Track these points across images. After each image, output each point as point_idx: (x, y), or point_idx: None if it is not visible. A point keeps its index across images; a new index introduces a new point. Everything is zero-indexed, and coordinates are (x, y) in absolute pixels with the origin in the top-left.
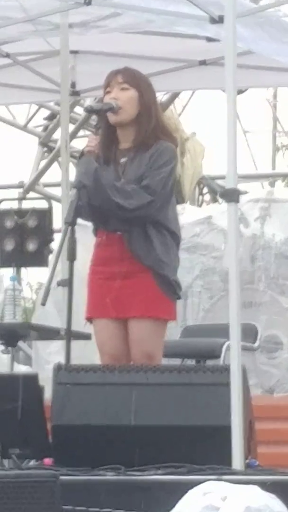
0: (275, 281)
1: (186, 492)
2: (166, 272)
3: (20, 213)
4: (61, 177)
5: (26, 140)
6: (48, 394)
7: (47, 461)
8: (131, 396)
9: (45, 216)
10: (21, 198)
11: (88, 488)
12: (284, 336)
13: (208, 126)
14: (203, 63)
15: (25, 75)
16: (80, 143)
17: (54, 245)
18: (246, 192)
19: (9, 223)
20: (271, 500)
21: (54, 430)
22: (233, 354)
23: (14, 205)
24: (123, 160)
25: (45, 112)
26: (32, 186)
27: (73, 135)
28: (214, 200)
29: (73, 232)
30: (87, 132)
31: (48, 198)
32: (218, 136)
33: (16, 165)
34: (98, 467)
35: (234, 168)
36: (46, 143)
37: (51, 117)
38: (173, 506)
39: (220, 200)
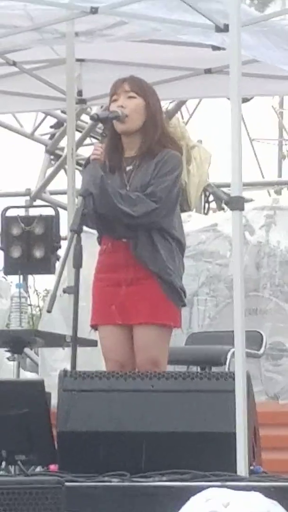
0: (280, 288)
1: (190, 498)
2: (172, 279)
3: (27, 220)
4: (67, 184)
5: (32, 148)
6: (54, 401)
7: (53, 467)
8: (136, 403)
9: (52, 223)
10: (28, 206)
11: (93, 494)
12: None
13: (215, 134)
14: (208, 71)
15: (31, 83)
16: (87, 151)
17: (61, 252)
18: (251, 200)
19: (15, 230)
20: (274, 507)
21: (59, 436)
22: (237, 361)
23: (21, 212)
24: (128, 168)
25: (51, 120)
26: (39, 193)
27: (80, 143)
28: (220, 207)
29: (79, 240)
30: (93, 140)
31: (55, 205)
32: (224, 144)
33: (23, 173)
34: (103, 474)
35: (239, 176)
36: (52, 151)
37: (58, 125)
38: None
39: (225, 207)
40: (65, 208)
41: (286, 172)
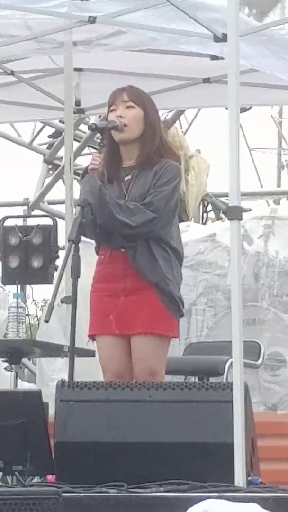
0: (278, 298)
1: (187, 509)
2: (170, 288)
3: (25, 230)
4: (65, 194)
5: (31, 157)
6: (51, 411)
7: (50, 477)
8: (133, 413)
9: (50, 233)
10: (26, 216)
11: (91, 505)
12: (287, 354)
13: (213, 143)
14: (207, 81)
15: (29, 93)
16: (85, 161)
17: (59, 262)
18: (249, 210)
19: (13, 240)
20: None
21: (57, 447)
22: (235, 371)
23: (19, 222)
24: (127, 178)
25: (49, 130)
26: (37, 203)
27: (78, 153)
28: (218, 217)
29: (77, 250)
30: (92, 150)
31: (53, 215)
32: (223, 154)
33: (21, 183)
34: (101, 484)
35: (237, 186)
36: (50, 161)
37: (56, 134)
38: None
39: (224, 217)
40: (63, 218)
41: (285, 181)
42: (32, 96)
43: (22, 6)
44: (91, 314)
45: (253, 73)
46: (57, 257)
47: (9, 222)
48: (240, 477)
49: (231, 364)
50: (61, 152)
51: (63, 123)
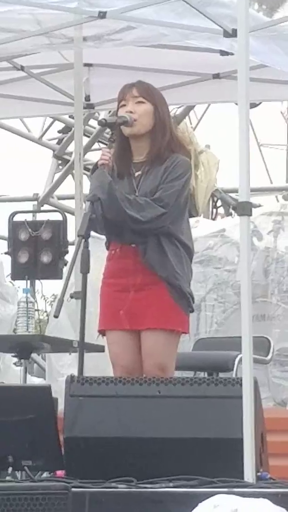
0: None
1: (197, 504)
2: (181, 284)
3: (34, 225)
4: (75, 190)
5: (40, 153)
6: (60, 406)
7: (59, 473)
8: (143, 409)
9: (59, 228)
10: (35, 211)
11: (100, 500)
12: None
13: (223, 139)
14: (216, 76)
15: (39, 88)
16: (94, 156)
17: (68, 257)
18: (259, 205)
19: (23, 236)
20: None
21: (66, 442)
22: (245, 366)
23: (28, 217)
24: (138, 173)
25: (59, 125)
26: (46, 198)
27: (87, 148)
28: (228, 213)
29: (86, 245)
30: (101, 145)
31: (62, 210)
32: (233, 149)
33: (31, 178)
34: (110, 479)
35: (247, 182)
36: (60, 156)
37: (66, 130)
38: None
39: (233, 213)
40: (72, 213)
41: None
42: (41, 91)
43: (32, 1)
44: (101, 309)
45: (263, 69)
46: (67, 252)
47: (18, 218)
48: (249, 473)
49: (240, 359)
50: (71, 147)
51: (73, 118)
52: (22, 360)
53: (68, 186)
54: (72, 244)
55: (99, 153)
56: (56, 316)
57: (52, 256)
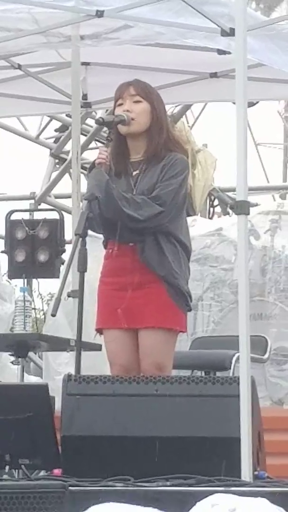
0: (285, 293)
1: (194, 503)
2: (178, 282)
3: (31, 224)
4: (72, 188)
5: (37, 151)
6: (58, 405)
7: (57, 471)
8: (140, 407)
9: (56, 227)
10: (32, 210)
11: (97, 498)
12: None
13: (220, 138)
14: (214, 75)
15: (36, 87)
16: (91, 155)
17: (65, 256)
18: (256, 204)
19: (20, 234)
20: None
21: (63, 440)
22: (242, 365)
23: (25, 216)
24: (135, 172)
25: (56, 124)
26: (43, 197)
27: (85, 147)
28: (225, 212)
29: (83, 244)
30: (98, 144)
31: (59, 209)
32: (230, 148)
33: (28, 176)
34: (107, 478)
35: (244, 181)
36: (57, 155)
37: (63, 128)
38: None
39: (230, 212)
40: (69, 212)
41: None
42: (39, 90)
43: None
44: (98, 308)
45: (260, 68)
46: (64, 251)
47: (15, 216)
48: (246, 472)
49: (237, 358)
50: (68, 146)
51: (70, 117)
52: (19, 359)
53: (65, 185)
54: (69, 242)
55: (96, 152)
56: (53, 315)
57: (49, 255)
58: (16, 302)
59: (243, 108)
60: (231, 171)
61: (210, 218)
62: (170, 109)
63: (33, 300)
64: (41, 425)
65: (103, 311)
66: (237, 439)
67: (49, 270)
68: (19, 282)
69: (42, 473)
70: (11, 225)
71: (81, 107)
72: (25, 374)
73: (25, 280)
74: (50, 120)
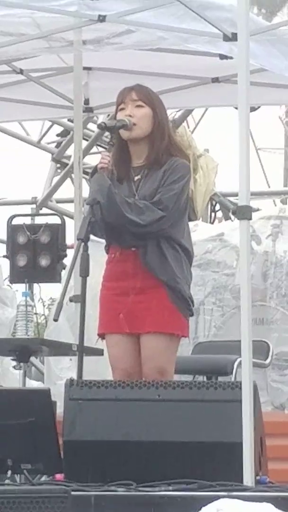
0: (287, 298)
1: (196, 508)
2: (180, 287)
3: (33, 228)
4: (74, 193)
5: (39, 156)
6: (60, 410)
7: (59, 476)
8: (142, 412)
9: (58, 231)
10: (34, 214)
11: (99, 503)
12: None
13: (221, 143)
14: (216, 80)
15: (38, 92)
16: (93, 160)
17: (67, 261)
18: (258, 210)
19: (21, 239)
20: None
21: (65, 445)
22: (244, 370)
23: (27, 221)
24: (137, 177)
25: (58, 129)
26: (45, 202)
27: (86, 152)
28: (227, 217)
29: (86, 248)
30: (100, 149)
31: (61, 214)
32: (231, 153)
33: (29, 181)
34: (109, 483)
35: (247, 185)
36: (59, 160)
37: (64, 133)
38: None
39: (232, 217)
40: (71, 217)
41: None
42: (41, 94)
43: (32, 4)
44: (100, 312)
45: (261, 73)
46: (65, 256)
47: (17, 221)
48: (248, 477)
49: (239, 363)
50: (69, 151)
51: (72, 121)
52: (21, 364)
53: (67, 190)
54: (71, 247)
55: (98, 156)
56: (55, 320)
57: (50, 260)
58: (18, 307)
59: (245, 113)
60: (232, 176)
61: (212, 223)
62: (171, 114)
63: (34, 305)
64: (43, 430)
65: (105, 316)
66: (239, 444)
67: (51, 274)
68: (20, 287)
69: (44, 478)
70: (13, 230)
71: (83, 112)
72: (27, 379)
73: (27, 284)
74: (52, 125)
